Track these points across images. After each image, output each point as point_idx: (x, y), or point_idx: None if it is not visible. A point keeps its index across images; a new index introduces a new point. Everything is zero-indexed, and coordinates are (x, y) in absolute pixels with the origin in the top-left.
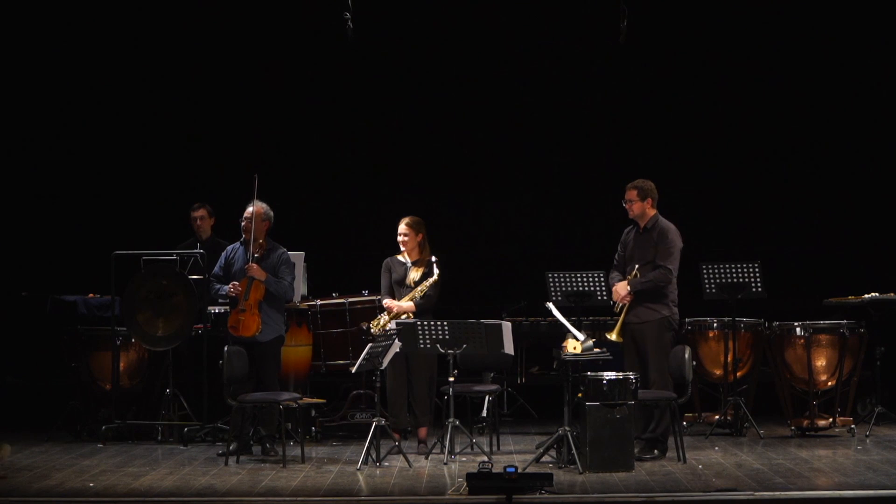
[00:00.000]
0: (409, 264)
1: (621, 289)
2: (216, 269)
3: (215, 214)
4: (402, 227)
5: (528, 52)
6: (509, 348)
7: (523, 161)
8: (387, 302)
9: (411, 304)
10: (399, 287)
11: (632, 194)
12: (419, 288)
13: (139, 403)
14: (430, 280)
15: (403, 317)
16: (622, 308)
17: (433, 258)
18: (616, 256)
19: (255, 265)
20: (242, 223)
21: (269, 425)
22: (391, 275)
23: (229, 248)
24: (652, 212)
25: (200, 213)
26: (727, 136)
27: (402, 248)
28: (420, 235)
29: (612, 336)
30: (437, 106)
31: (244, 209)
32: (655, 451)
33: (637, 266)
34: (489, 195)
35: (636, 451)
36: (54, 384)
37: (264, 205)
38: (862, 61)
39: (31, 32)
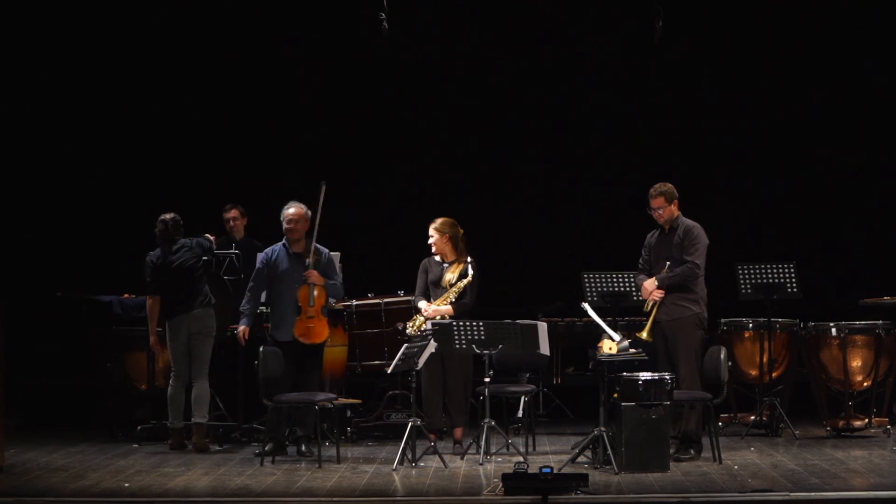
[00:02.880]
0: (446, 265)
1: (649, 285)
2: (256, 280)
3: (248, 215)
4: (430, 230)
5: (563, 53)
6: (545, 349)
7: (559, 161)
8: (425, 308)
9: (449, 307)
10: (435, 288)
11: (660, 201)
12: (454, 288)
13: None
14: (465, 281)
15: (438, 317)
16: (652, 307)
17: (469, 259)
18: (640, 261)
19: (314, 272)
20: (288, 225)
21: (307, 426)
22: (427, 275)
23: (268, 251)
24: (677, 212)
25: (233, 213)
26: (763, 136)
27: (433, 250)
28: (447, 237)
29: (643, 335)
30: (473, 107)
31: (279, 211)
32: (692, 451)
33: (668, 265)
34: (524, 195)
35: (672, 451)
36: (90, 385)
37: (301, 206)
38: None
39: (70, 35)
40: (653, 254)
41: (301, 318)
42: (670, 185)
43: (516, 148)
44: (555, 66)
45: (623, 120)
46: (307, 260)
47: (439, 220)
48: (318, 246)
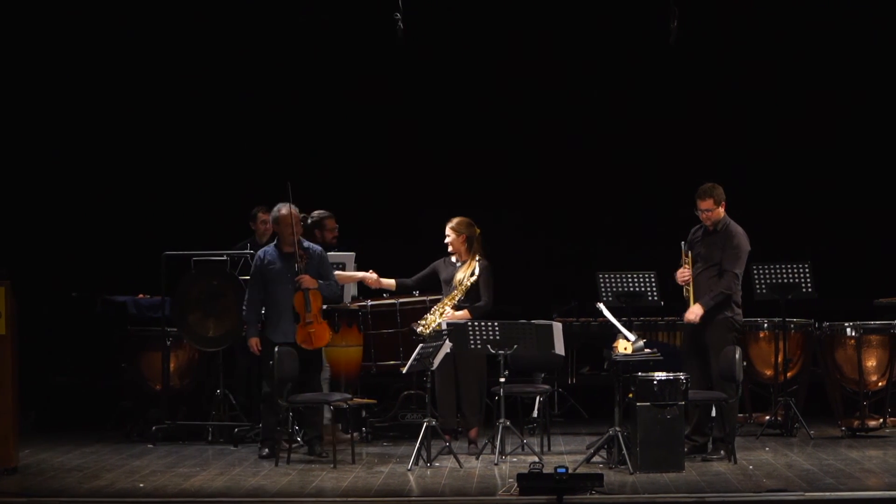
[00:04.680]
0: (459, 264)
1: (693, 315)
2: (252, 287)
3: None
4: (447, 230)
5: (578, 54)
6: (560, 349)
7: (574, 161)
8: (449, 312)
9: (465, 311)
10: (446, 286)
11: (709, 203)
12: (461, 287)
13: (189, 404)
14: (470, 281)
15: (448, 312)
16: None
17: (478, 258)
18: (682, 256)
19: (306, 276)
20: (276, 227)
21: (316, 426)
22: (437, 272)
23: (259, 253)
24: (723, 214)
25: (268, 216)
26: (777, 136)
27: (449, 250)
28: (463, 237)
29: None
30: (488, 106)
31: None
32: (721, 452)
33: (698, 265)
34: (540, 195)
35: (708, 451)
36: (104, 385)
37: (293, 206)
38: None
39: (79, 35)
40: (695, 251)
41: (301, 325)
42: (719, 187)
43: (532, 147)
44: (570, 67)
45: (638, 120)
46: (296, 264)
47: (456, 220)
48: (311, 245)
